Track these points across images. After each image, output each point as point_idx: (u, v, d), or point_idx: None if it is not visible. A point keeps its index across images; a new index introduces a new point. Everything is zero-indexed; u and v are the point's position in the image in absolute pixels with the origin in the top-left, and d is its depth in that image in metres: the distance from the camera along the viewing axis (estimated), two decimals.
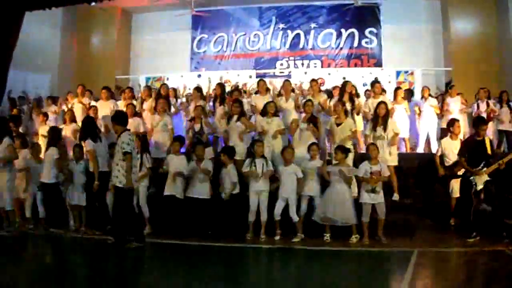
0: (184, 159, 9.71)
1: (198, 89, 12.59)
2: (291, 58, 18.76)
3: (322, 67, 18.17)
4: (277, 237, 8.89)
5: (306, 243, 8.58)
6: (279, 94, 11.86)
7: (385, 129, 9.97)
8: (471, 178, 8.70)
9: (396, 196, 9.97)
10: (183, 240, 8.77)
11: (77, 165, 9.79)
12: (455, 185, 9.82)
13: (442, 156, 10.06)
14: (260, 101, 11.16)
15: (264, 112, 10.43)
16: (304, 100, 11.14)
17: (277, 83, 13.31)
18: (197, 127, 10.88)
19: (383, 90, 12.46)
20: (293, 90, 12.26)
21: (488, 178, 8.61)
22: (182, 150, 10.58)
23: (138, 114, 11.80)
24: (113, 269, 7.47)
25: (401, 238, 8.68)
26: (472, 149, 8.91)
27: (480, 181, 8.57)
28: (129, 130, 8.63)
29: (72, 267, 7.44)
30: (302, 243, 8.65)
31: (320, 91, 11.96)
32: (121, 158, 8.13)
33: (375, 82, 12.59)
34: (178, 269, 7.36)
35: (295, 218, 8.85)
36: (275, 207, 8.96)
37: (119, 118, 8.67)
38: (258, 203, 9.05)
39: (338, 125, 10.06)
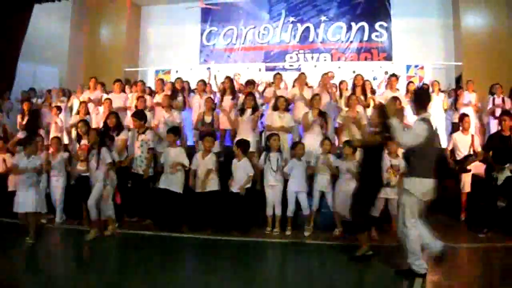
0: (183, 151, 9.58)
1: (203, 81, 12.64)
2: (301, 51, 18.67)
3: (332, 60, 18.08)
4: (288, 232, 8.91)
5: (317, 237, 8.58)
6: (293, 86, 11.85)
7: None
8: (493, 173, 8.66)
9: None
10: (183, 234, 8.97)
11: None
12: (466, 180, 9.82)
13: (453, 151, 10.05)
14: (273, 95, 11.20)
15: (275, 107, 10.43)
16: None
17: (287, 77, 13.33)
18: (208, 119, 10.93)
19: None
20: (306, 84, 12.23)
21: (510, 174, 8.57)
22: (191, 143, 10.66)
23: (148, 108, 11.84)
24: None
25: None
26: (497, 145, 8.88)
27: (502, 176, 8.53)
28: (151, 128, 9.84)
29: None
30: (313, 237, 8.65)
31: (330, 85, 11.99)
32: (145, 152, 9.70)
33: (393, 75, 12.50)
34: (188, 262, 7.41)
35: (306, 212, 8.87)
36: (288, 202, 9.01)
37: (140, 115, 9.83)
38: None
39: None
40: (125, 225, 9.54)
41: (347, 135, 9.45)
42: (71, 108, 13.83)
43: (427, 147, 6.23)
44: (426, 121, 6.31)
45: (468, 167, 9.35)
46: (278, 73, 12.38)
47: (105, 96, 12.82)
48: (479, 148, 9.84)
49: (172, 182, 9.21)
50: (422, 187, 6.26)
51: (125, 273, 6.85)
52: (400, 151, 8.71)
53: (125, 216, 9.89)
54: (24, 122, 12.31)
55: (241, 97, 11.77)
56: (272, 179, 9.11)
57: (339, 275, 6.81)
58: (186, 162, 9.33)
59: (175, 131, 9.81)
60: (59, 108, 12.91)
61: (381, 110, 6.91)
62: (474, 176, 9.73)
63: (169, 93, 11.97)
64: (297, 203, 9.04)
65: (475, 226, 8.79)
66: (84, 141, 9.88)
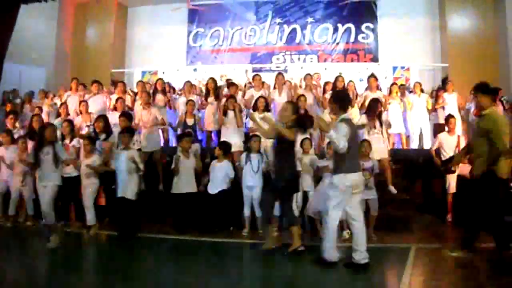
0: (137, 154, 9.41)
1: (190, 83, 12.65)
2: (288, 52, 18.70)
3: (318, 61, 18.13)
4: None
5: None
6: (274, 87, 11.87)
7: (381, 125, 9.96)
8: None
9: (392, 188, 9.82)
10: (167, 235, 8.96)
11: None
12: (452, 181, 9.89)
13: (438, 151, 10.13)
14: (255, 96, 11.23)
15: (255, 107, 10.48)
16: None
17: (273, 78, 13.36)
18: (190, 121, 10.96)
19: (377, 87, 12.45)
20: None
21: None
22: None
23: (129, 109, 11.83)
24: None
25: (398, 234, 8.69)
26: None
27: None
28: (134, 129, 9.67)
29: None
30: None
31: (314, 85, 12.10)
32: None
33: (371, 76, 12.60)
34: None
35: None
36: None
37: (128, 115, 9.96)
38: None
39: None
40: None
41: None
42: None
43: (350, 144, 6.53)
44: (346, 121, 6.73)
45: (453, 168, 9.39)
46: (257, 75, 12.38)
47: (91, 97, 12.74)
48: None
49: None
50: (349, 181, 6.62)
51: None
52: (373, 153, 8.85)
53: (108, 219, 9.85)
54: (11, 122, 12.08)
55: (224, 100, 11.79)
56: (251, 180, 9.08)
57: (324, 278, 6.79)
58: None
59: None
60: (40, 109, 12.85)
61: (293, 106, 7.69)
62: (460, 177, 9.77)
63: (147, 91, 11.99)
64: None
65: (461, 226, 8.81)
66: (66, 141, 9.89)
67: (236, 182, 9.45)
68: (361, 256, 6.46)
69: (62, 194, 8.78)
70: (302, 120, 7.62)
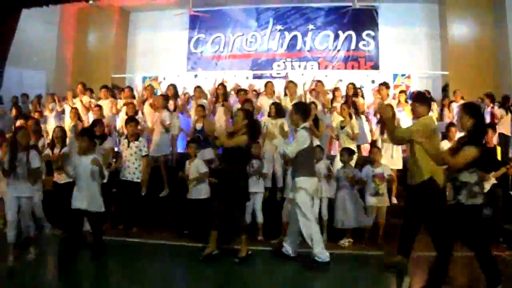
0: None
1: (199, 88, 12.64)
2: (288, 59, 18.75)
3: (319, 68, 18.15)
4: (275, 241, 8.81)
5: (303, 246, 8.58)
6: (285, 95, 11.86)
7: None
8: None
9: (394, 200, 9.91)
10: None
11: None
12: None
13: None
14: (266, 102, 11.23)
15: (269, 113, 10.51)
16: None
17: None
18: (199, 126, 10.95)
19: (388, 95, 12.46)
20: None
21: (495, 181, 8.75)
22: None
23: (137, 114, 11.79)
24: None
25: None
26: (483, 157, 8.99)
27: (488, 184, 8.60)
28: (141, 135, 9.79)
29: None
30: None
31: (323, 91, 12.13)
32: (139, 159, 9.58)
33: (383, 84, 12.42)
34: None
35: None
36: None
37: (135, 120, 9.93)
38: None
39: (342, 127, 10.58)
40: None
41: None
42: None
43: (310, 150, 7.55)
44: (307, 129, 7.60)
45: None
46: (269, 82, 12.25)
47: (94, 102, 12.74)
48: None
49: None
50: (311, 184, 7.43)
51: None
52: (384, 160, 8.92)
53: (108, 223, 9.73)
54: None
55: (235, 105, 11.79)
56: (254, 186, 8.91)
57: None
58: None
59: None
60: (41, 113, 12.84)
61: (246, 112, 8.08)
62: None
63: (163, 94, 11.93)
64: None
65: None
66: (57, 149, 9.33)
67: None
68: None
69: (56, 202, 8.69)
70: (252, 126, 7.74)
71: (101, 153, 9.24)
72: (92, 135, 7.80)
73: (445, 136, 10.47)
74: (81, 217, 7.38)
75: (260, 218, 9.02)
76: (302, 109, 7.83)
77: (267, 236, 8.95)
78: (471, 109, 6.06)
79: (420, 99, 7.14)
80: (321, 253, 7.12)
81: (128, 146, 9.66)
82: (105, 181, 7.65)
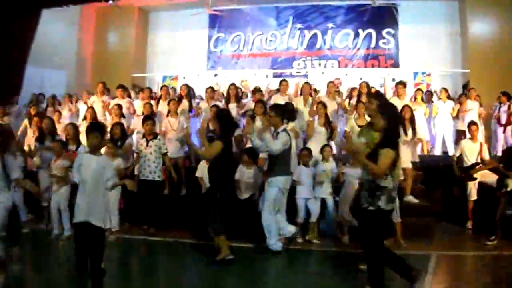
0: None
1: (212, 89, 12.65)
2: (308, 58, 18.73)
3: (339, 67, 18.13)
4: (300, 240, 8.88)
5: (321, 245, 8.56)
6: (301, 94, 11.78)
7: (414, 133, 9.81)
8: (507, 180, 8.62)
9: (410, 198, 9.71)
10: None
11: None
12: (473, 188, 9.80)
13: (459, 157, 10.03)
14: (280, 101, 11.10)
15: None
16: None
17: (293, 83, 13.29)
18: (212, 126, 10.96)
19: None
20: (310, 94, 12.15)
21: None
22: None
23: (154, 114, 11.83)
24: None
25: (418, 241, 8.60)
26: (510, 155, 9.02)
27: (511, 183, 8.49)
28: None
29: None
30: (318, 245, 8.63)
31: (337, 92, 12.01)
32: (158, 157, 9.58)
33: (400, 83, 12.07)
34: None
35: (314, 219, 8.87)
36: (298, 209, 8.94)
37: (152, 119, 10.07)
38: None
39: (359, 126, 10.08)
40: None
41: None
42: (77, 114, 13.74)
43: (287, 151, 7.99)
44: (286, 130, 8.05)
45: (475, 175, 9.32)
46: (284, 80, 12.26)
47: (112, 101, 12.72)
48: (487, 156, 9.87)
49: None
50: (284, 182, 7.94)
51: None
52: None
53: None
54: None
55: (248, 104, 11.79)
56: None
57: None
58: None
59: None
60: (60, 113, 12.88)
61: (220, 115, 8.19)
62: (481, 184, 9.69)
63: (176, 99, 11.94)
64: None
65: (481, 234, 8.75)
66: (71, 147, 9.36)
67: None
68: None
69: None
70: (223, 124, 7.86)
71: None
72: (103, 130, 6.03)
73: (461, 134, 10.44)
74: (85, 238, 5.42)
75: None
76: (283, 111, 8.32)
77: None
78: (384, 108, 5.78)
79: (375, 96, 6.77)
80: (275, 244, 7.91)
81: (147, 144, 9.62)
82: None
